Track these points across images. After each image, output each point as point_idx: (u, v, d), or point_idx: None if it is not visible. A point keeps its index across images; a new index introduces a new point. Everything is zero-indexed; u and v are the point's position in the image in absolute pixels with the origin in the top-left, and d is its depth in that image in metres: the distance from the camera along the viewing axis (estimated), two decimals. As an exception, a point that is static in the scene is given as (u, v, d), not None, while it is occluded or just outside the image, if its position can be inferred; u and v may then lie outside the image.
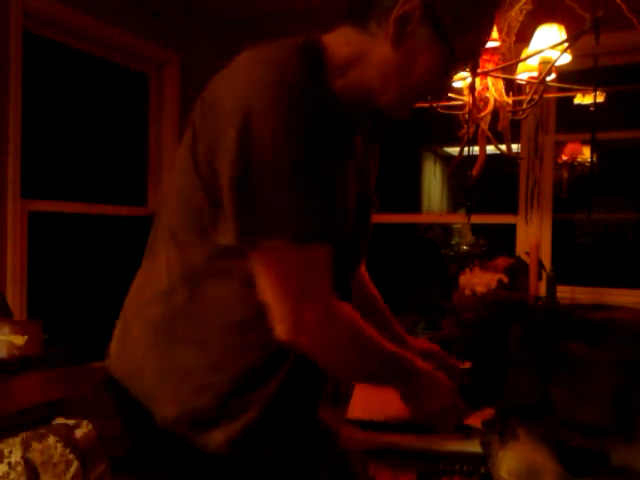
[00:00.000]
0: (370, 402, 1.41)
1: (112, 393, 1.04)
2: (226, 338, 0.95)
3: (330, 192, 0.91)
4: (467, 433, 1.20)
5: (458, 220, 4.12)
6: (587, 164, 3.53)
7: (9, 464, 1.46)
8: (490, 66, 1.98)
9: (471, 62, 0.99)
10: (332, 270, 0.91)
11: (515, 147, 2.46)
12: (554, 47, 1.86)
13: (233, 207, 0.84)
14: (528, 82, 2.05)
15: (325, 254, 0.89)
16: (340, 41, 0.94)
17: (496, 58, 1.99)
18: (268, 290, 0.88)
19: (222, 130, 0.84)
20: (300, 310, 0.88)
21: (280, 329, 0.89)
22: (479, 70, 1.87)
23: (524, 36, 2.03)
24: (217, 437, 0.95)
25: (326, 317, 0.91)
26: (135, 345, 1.00)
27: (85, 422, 1.66)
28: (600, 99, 2.45)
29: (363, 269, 1.34)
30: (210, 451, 0.96)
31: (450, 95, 2.18)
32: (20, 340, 1.99)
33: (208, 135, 0.87)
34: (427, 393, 1.08)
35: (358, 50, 0.93)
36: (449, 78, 1.00)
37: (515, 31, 2.01)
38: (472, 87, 1.89)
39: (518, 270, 2.30)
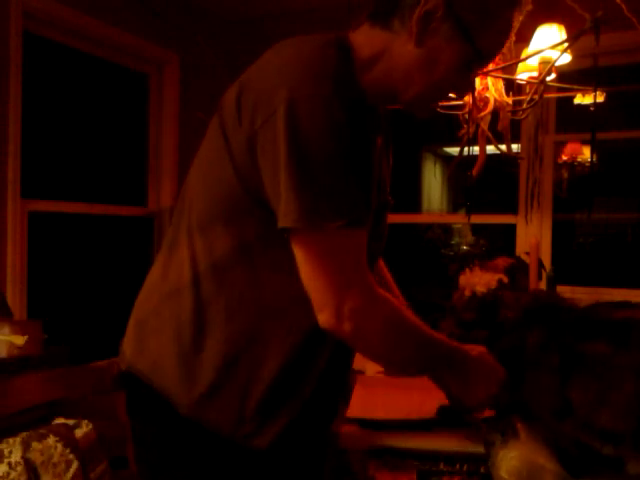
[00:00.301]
0: (370, 401, 1.41)
1: (129, 389, 1.03)
2: (256, 325, 0.94)
3: (368, 182, 0.92)
4: (472, 428, 1.20)
5: (458, 220, 4.13)
6: (587, 164, 3.53)
7: (9, 464, 1.46)
8: (490, 66, 1.97)
9: (492, 60, 0.99)
10: None
11: (515, 147, 2.46)
12: (554, 47, 1.86)
13: (295, 190, 0.83)
14: (528, 82, 2.05)
15: (365, 241, 0.90)
16: (365, 39, 0.96)
17: (496, 58, 1.99)
18: (310, 276, 0.88)
19: (265, 118, 0.85)
20: (343, 296, 0.87)
21: (322, 317, 0.89)
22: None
23: (524, 36, 2.02)
24: (257, 428, 0.95)
25: (370, 303, 0.91)
26: (156, 340, 0.99)
27: (85, 422, 1.66)
28: (600, 99, 2.45)
29: (387, 274, 1.36)
30: (246, 443, 0.95)
31: (450, 95, 2.18)
32: (20, 340, 1.99)
33: (248, 123, 0.87)
34: (476, 381, 1.04)
35: (382, 48, 0.95)
36: (471, 76, 1.00)
37: (515, 31, 2.00)
38: (472, 87, 1.89)
39: (518, 270, 2.29)
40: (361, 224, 0.88)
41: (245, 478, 0.99)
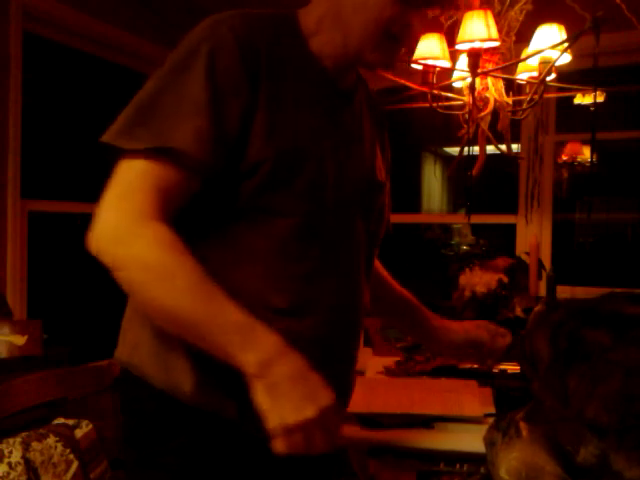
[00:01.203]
0: (370, 398, 1.41)
1: (121, 388, 1.03)
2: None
3: (244, 139, 0.90)
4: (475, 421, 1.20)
5: (458, 220, 4.12)
6: (587, 164, 3.53)
7: (9, 464, 1.46)
8: (490, 66, 1.98)
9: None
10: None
11: (515, 147, 2.46)
12: (554, 47, 1.86)
13: (125, 111, 0.92)
14: (528, 82, 2.05)
15: (176, 181, 0.88)
16: (312, 7, 1.01)
17: (496, 58, 1.99)
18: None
19: None
20: (107, 215, 0.90)
21: (88, 240, 0.89)
22: (479, 70, 1.87)
23: (524, 36, 2.02)
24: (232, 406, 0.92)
25: (131, 227, 0.86)
26: (133, 328, 0.99)
27: (85, 422, 1.66)
28: (600, 99, 2.46)
29: (384, 272, 1.31)
30: (221, 413, 0.93)
31: (450, 95, 2.18)
32: (20, 340, 1.99)
33: None
34: (286, 391, 0.79)
35: (325, 8, 0.98)
36: (408, 11, 0.94)
37: (515, 31, 2.01)
38: (472, 87, 1.89)
39: (518, 270, 2.30)
40: (172, 158, 0.87)
41: (235, 462, 0.95)
